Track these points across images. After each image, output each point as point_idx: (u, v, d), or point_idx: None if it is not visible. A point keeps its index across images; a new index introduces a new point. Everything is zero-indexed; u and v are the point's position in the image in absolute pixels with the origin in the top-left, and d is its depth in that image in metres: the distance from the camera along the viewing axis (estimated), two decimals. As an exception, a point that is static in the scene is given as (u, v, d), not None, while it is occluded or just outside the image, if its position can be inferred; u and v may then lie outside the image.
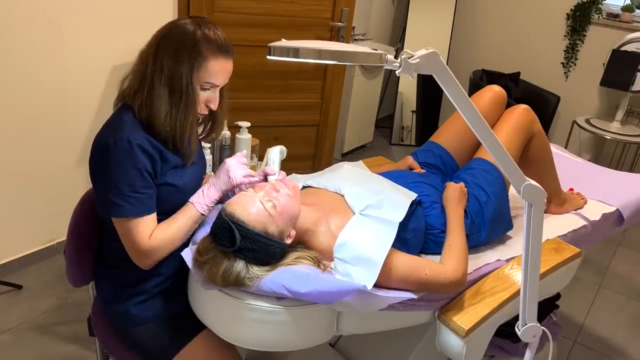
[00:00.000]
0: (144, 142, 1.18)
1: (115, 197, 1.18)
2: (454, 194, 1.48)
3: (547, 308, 1.95)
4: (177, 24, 1.22)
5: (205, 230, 1.28)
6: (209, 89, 1.25)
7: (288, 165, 1.62)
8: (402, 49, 4.12)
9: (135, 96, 1.22)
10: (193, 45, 1.18)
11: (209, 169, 1.90)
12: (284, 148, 1.47)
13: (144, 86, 1.21)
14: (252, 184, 1.30)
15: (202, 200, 1.30)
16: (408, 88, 4.35)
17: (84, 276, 1.46)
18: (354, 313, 1.25)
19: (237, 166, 1.34)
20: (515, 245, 1.60)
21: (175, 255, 1.30)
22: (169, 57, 1.19)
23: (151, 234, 1.23)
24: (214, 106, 1.28)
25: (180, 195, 1.30)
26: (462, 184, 1.51)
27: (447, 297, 1.36)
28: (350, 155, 4.08)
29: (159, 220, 1.28)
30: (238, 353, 1.40)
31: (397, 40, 4.53)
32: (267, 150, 1.45)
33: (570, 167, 2.16)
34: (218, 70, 1.22)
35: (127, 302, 1.33)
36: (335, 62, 0.96)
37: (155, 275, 1.32)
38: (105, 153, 1.17)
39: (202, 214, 1.30)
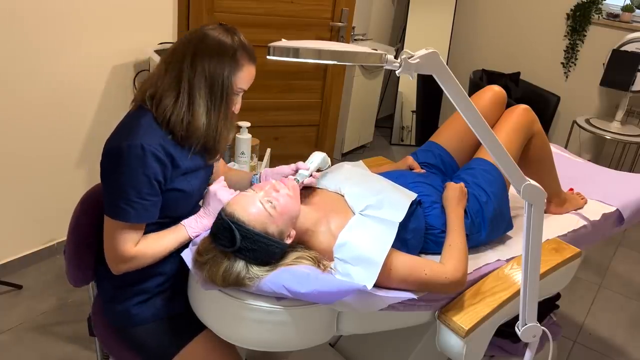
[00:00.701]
0: (157, 149, 1.19)
1: (121, 201, 1.18)
2: (454, 194, 1.48)
3: (547, 308, 1.95)
4: (211, 32, 1.25)
5: (205, 232, 1.28)
6: (237, 95, 1.31)
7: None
8: (402, 49, 4.12)
9: (163, 101, 1.23)
10: (233, 52, 1.24)
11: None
12: (328, 159, 1.49)
13: (178, 90, 1.23)
14: None
15: (195, 226, 1.31)
16: (408, 88, 4.35)
17: (84, 276, 1.46)
18: (354, 313, 1.25)
19: (223, 190, 1.34)
20: (515, 245, 1.60)
21: (176, 255, 1.30)
22: (210, 62, 1.22)
23: (138, 242, 1.23)
24: (237, 110, 1.33)
25: (188, 200, 1.31)
26: (462, 184, 1.51)
27: (447, 297, 1.36)
28: (350, 155, 4.08)
29: (163, 224, 1.29)
30: (238, 353, 1.40)
31: (397, 40, 4.53)
32: (313, 153, 1.46)
33: (570, 167, 2.16)
34: (248, 77, 1.29)
35: (128, 302, 1.33)
36: (335, 62, 0.96)
37: (156, 275, 1.32)
38: (117, 156, 1.17)
39: (191, 238, 1.30)
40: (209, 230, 1.25)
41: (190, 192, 1.30)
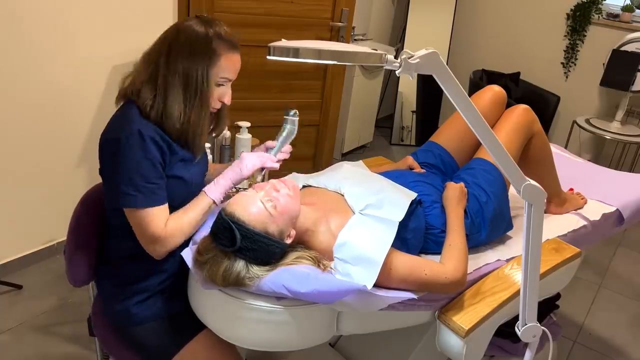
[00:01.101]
0: (154, 135, 1.21)
1: (127, 188, 1.19)
2: (454, 194, 1.48)
3: (547, 308, 1.95)
4: (186, 25, 1.25)
5: (206, 230, 1.28)
6: (223, 84, 1.30)
7: (288, 165, 1.62)
8: (402, 49, 4.12)
9: (141, 95, 1.24)
10: (207, 43, 1.23)
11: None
12: (293, 119, 1.45)
13: (155, 87, 1.24)
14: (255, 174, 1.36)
15: (215, 189, 1.32)
16: (408, 88, 4.35)
17: (84, 276, 1.46)
18: (354, 313, 1.25)
19: (251, 157, 1.36)
20: (515, 245, 1.60)
21: (177, 254, 1.30)
22: (183, 58, 1.22)
23: (166, 222, 1.24)
24: (228, 100, 1.33)
25: (187, 189, 1.31)
26: (462, 184, 1.51)
27: (447, 297, 1.36)
28: (350, 155, 4.08)
29: None
30: (238, 353, 1.40)
31: (397, 40, 4.53)
32: (285, 118, 1.44)
33: (570, 167, 2.16)
34: (231, 65, 1.28)
35: (128, 300, 1.33)
36: (335, 62, 0.96)
37: (157, 273, 1.32)
38: (117, 147, 1.19)
39: (215, 202, 1.31)
40: (209, 231, 1.25)
41: (190, 180, 1.31)
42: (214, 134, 1.46)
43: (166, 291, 1.35)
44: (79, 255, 1.42)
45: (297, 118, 1.45)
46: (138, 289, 1.33)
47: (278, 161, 1.41)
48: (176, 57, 1.23)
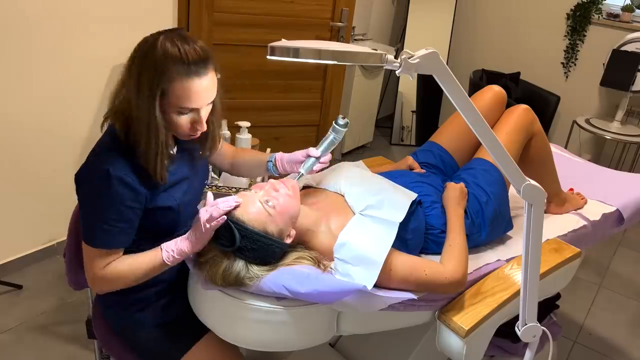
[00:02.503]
0: (125, 172, 1.12)
1: (85, 225, 1.17)
2: (454, 194, 1.48)
3: (547, 308, 1.95)
4: (146, 42, 1.09)
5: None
6: (186, 114, 1.13)
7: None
8: (402, 49, 4.12)
9: (116, 117, 1.17)
10: (155, 68, 1.05)
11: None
12: (341, 128, 1.30)
13: (123, 108, 1.15)
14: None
15: (172, 251, 1.18)
16: (408, 88, 4.35)
17: (83, 279, 1.45)
18: (354, 313, 1.25)
19: (204, 213, 1.21)
20: (515, 245, 1.60)
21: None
22: (132, 83, 1.09)
23: (108, 264, 1.18)
24: (201, 127, 1.16)
25: (175, 215, 1.25)
26: (462, 184, 1.51)
27: (447, 297, 1.36)
28: (350, 155, 4.07)
29: (157, 241, 1.22)
30: (241, 355, 1.39)
31: (397, 40, 4.53)
32: (334, 123, 1.32)
33: (570, 167, 2.15)
34: (189, 93, 1.09)
35: (130, 308, 1.32)
36: (335, 62, 0.96)
37: (156, 282, 1.30)
38: (83, 182, 1.16)
39: (166, 263, 1.18)
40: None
41: (176, 206, 1.24)
42: (207, 154, 1.34)
43: (166, 297, 1.34)
44: (79, 257, 1.41)
45: (346, 129, 1.32)
46: (138, 298, 1.32)
47: (317, 171, 1.33)
48: (130, 80, 1.09)
